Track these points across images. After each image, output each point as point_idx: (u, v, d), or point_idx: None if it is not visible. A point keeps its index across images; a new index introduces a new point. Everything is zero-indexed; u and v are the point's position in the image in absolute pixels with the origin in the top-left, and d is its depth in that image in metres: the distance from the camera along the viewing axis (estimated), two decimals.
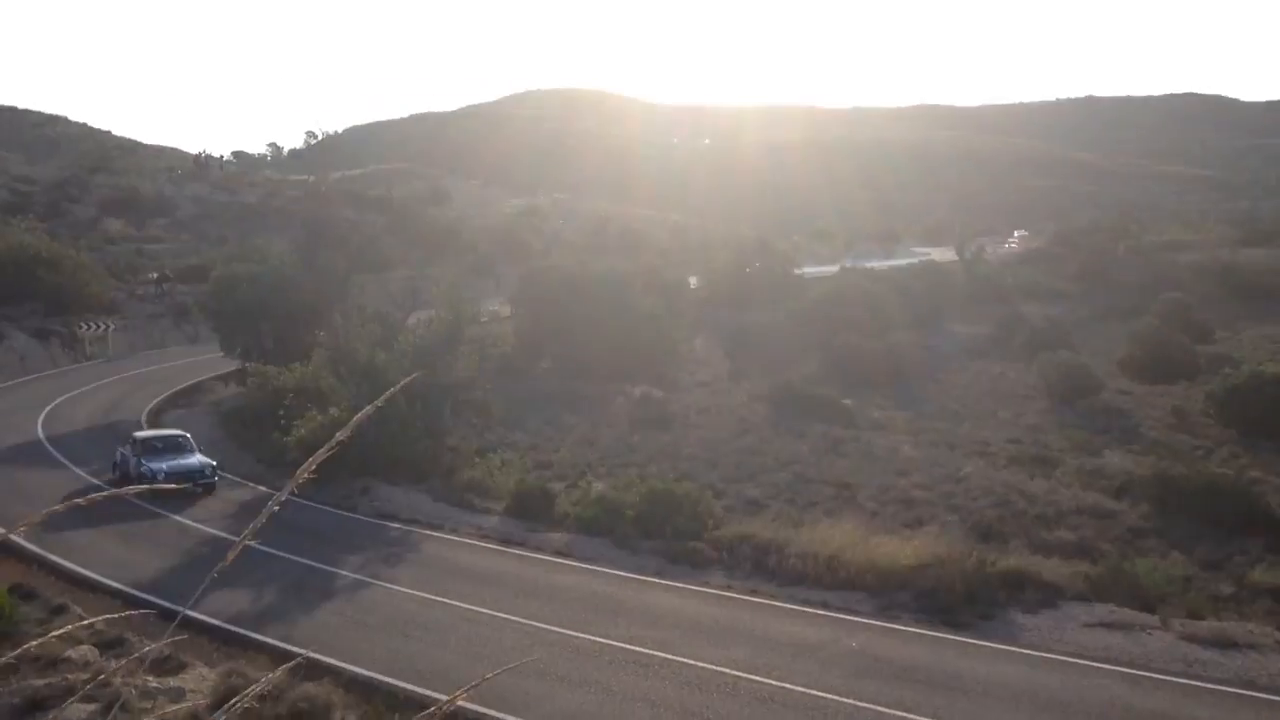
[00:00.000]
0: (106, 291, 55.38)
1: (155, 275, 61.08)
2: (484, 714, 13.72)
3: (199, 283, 53.30)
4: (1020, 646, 15.87)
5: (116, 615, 16.78)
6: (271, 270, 43.11)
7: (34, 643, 3.17)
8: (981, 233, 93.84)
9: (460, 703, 10.42)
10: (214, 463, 26.51)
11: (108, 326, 51.85)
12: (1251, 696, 13.78)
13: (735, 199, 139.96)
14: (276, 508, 3.07)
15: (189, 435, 28.25)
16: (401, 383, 3.40)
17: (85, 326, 50.75)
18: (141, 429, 30.70)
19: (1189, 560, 19.35)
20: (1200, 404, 32.50)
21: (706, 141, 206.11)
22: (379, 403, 3.18)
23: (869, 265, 66.55)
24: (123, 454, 26.78)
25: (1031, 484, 25.19)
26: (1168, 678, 14.50)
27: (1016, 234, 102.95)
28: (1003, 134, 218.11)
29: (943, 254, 77.30)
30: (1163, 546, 20.34)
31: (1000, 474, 26.32)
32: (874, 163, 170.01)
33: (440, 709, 3.29)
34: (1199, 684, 14.25)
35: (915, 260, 72.82)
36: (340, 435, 3.06)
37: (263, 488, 26.28)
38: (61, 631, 3.35)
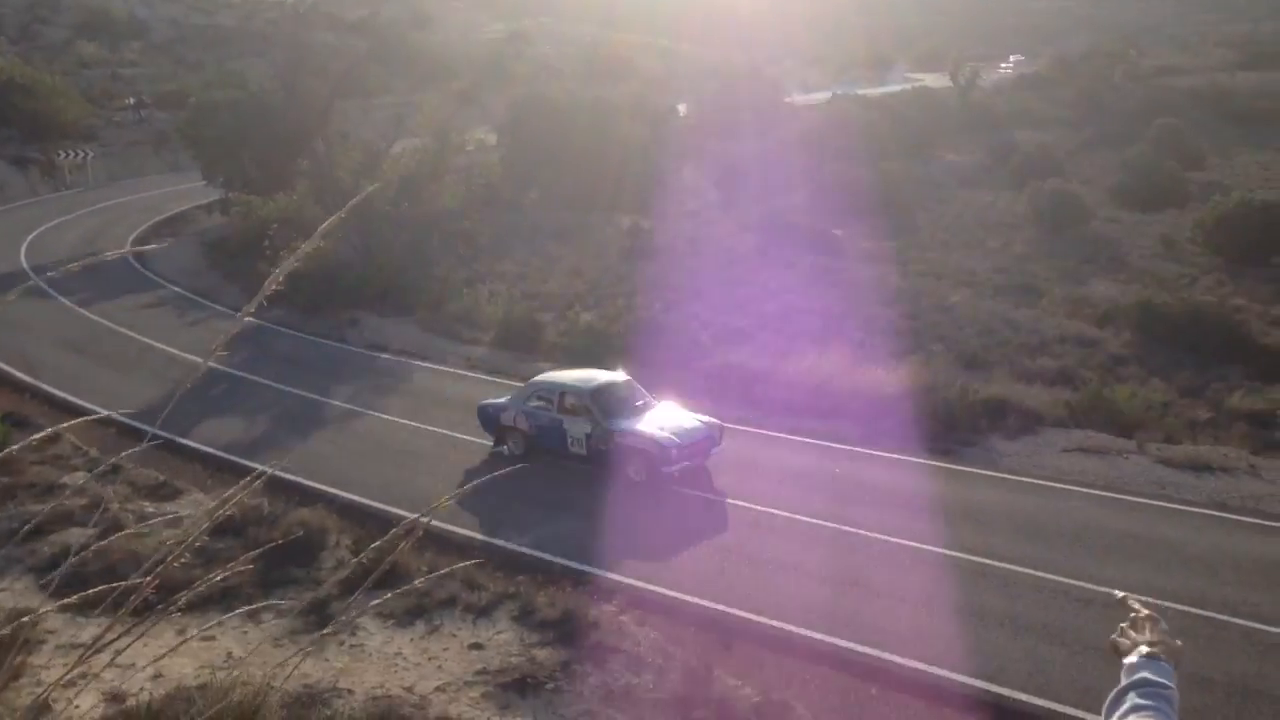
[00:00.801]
0: (83, 118, 54.15)
1: (132, 101, 59.64)
2: (477, 539, 14.11)
3: (177, 109, 52.08)
4: (1000, 471, 16.24)
5: (77, 421, 16.98)
6: (251, 97, 42.09)
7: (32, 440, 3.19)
8: (977, 58, 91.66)
9: (453, 529, 10.56)
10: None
11: (86, 154, 50.90)
12: (1221, 517, 14.19)
13: (725, 24, 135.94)
14: (255, 319, 3.06)
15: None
16: (351, 202, 3.30)
17: (63, 154, 49.82)
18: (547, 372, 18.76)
19: (1169, 387, 19.66)
20: (1188, 232, 32.43)
21: None
22: (340, 214, 3.09)
23: (861, 92, 65.19)
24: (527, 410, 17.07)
25: (1017, 313, 25.36)
26: (1141, 499, 14.90)
27: (1012, 59, 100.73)
28: None
29: (937, 80, 75.72)
30: (1143, 374, 20.63)
31: (986, 303, 26.46)
32: None
33: (417, 521, 3.36)
34: (1171, 505, 14.65)
35: (908, 87, 71.30)
36: (306, 247, 2.99)
37: (250, 319, 26.25)
38: (41, 436, 3.36)
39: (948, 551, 13.47)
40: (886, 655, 11.22)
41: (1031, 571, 12.87)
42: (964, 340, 23.26)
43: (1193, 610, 11.77)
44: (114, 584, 3.64)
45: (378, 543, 3.73)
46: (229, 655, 10.58)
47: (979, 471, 16.30)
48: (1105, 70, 72.92)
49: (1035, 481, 15.76)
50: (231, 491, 3.74)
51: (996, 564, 13.11)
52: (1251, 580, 12.42)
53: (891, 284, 28.41)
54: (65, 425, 4.04)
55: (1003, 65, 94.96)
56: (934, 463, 16.70)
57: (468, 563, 6.49)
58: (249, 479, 3.61)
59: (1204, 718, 9.96)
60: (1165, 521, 14.18)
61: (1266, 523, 13.98)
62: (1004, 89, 75.41)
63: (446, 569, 5.52)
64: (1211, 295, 25.58)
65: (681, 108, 62.43)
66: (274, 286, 2.96)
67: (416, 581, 4.20)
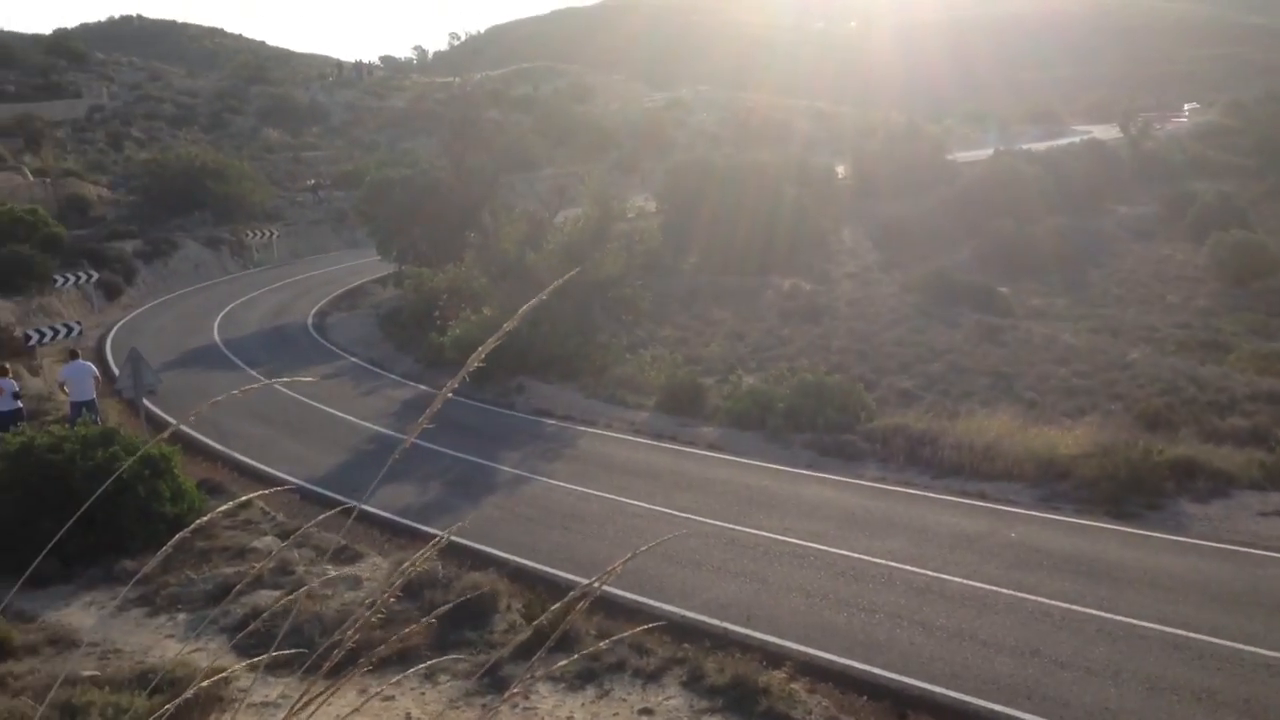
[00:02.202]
0: (269, 199, 57.46)
1: (311, 182, 63.02)
2: (642, 603, 14.15)
3: (353, 188, 54.78)
4: (1190, 536, 15.43)
5: (263, 491, 17.76)
6: (422, 174, 43.99)
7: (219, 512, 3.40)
8: (1148, 108, 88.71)
9: (622, 593, 10.72)
10: None
11: (272, 233, 53.90)
12: None
13: (883, 85, 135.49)
14: (450, 394, 3.19)
15: None
16: (554, 284, 3.44)
17: (251, 234, 52.87)
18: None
19: None
20: None
21: (852, 24, 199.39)
22: (543, 295, 3.25)
23: (1026, 147, 63.75)
24: None
25: (1202, 370, 24.23)
26: None
27: (1187, 107, 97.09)
28: None
29: (1106, 131, 73.53)
30: None
31: (1168, 360, 25.38)
32: (1015, 40, 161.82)
33: (595, 583, 3.44)
34: None
35: (1076, 140, 69.42)
36: (507, 326, 3.14)
37: (423, 386, 27.25)
38: (225, 508, 3.58)
39: (1136, 621, 12.83)
40: None
41: (1229, 644, 12.14)
42: (1145, 398, 22.31)
43: None
44: (304, 646, 3.83)
45: (554, 606, 3.81)
46: (407, 716, 10.86)
47: (1166, 537, 15.51)
48: None
49: (1230, 548, 14.89)
50: (417, 555, 3.90)
51: (1190, 635, 12.42)
52: None
53: (1063, 341, 27.52)
54: (256, 494, 4.28)
55: (1175, 116, 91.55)
56: (1116, 527, 15.98)
57: (641, 628, 6.54)
58: (432, 543, 3.75)
59: None
60: None
61: None
62: (1178, 138, 72.63)
63: (620, 635, 5.56)
64: None
65: (840, 169, 62.25)
66: (476, 364, 3.13)
67: (600, 644, 4.25)
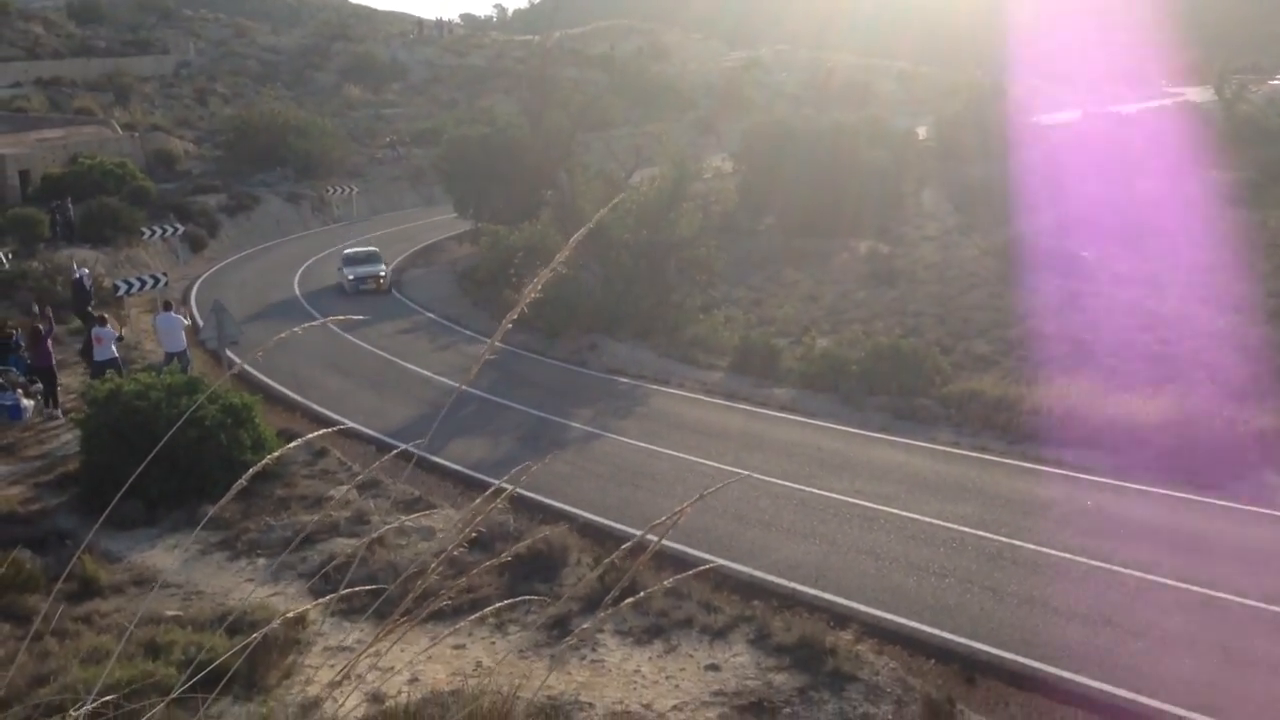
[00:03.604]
0: (349, 156, 58.13)
1: (390, 139, 63.60)
2: (715, 562, 14.21)
3: (432, 145, 55.19)
4: (1272, 509, 15.05)
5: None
6: (500, 132, 44.17)
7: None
8: (1245, 69, 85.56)
9: (692, 551, 10.77)
10: None
11: (352, 190, 54.59)
12: None
13: (968, 44, 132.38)
14: (490, 356, 3.26)
15: None
16: (576, 238, 3.47)
17: (332, 190, 53.60)
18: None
19: None
20: None
21: None
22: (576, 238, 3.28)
23: (1114, 109, 62.03)
24: None
25: None
26: None
27: None
28: None
29: (1199, 94, 71.18)
30: None
31: (1258, 329, 24.62)
32: None
33: (645, 536, 3.49)
34: None
35: (1167, 102, 67.33)
36: (545, 274, 3.20)
37: (498, 343, 27.46)
38: (294, 444, 3.68)
39: (1213, 592, 12.60)
40: (1143, 699, 10.59)
41: None
42: (1232, 368, 21.69)
43: None
44: (377, 593, 3.94)
45: (611, 556, 3.86)
46: (478, 664, 11.07)
47: (1248, 508, 15.15)
48: None
49: None
50: (478, 503, 4.01)
51: (1270, 608, 12.16)
52: None
53: (1148, 308, 26.85)
54: (318, 434, 4.38)
55: (1272, 78, 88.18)
56: (1196, 497, 15.66)
57: (692, 571, 6.63)
58: (492, 492, 3.87)
59: None
60: None
61: None
62: (1276, 102, 70.03)
63: (671, 580, 5.60)
64: None
65: (921, 130, 61.14)
66: (516, 315, 3.20)
67: (662, 583, 4.30)
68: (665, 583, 4.46)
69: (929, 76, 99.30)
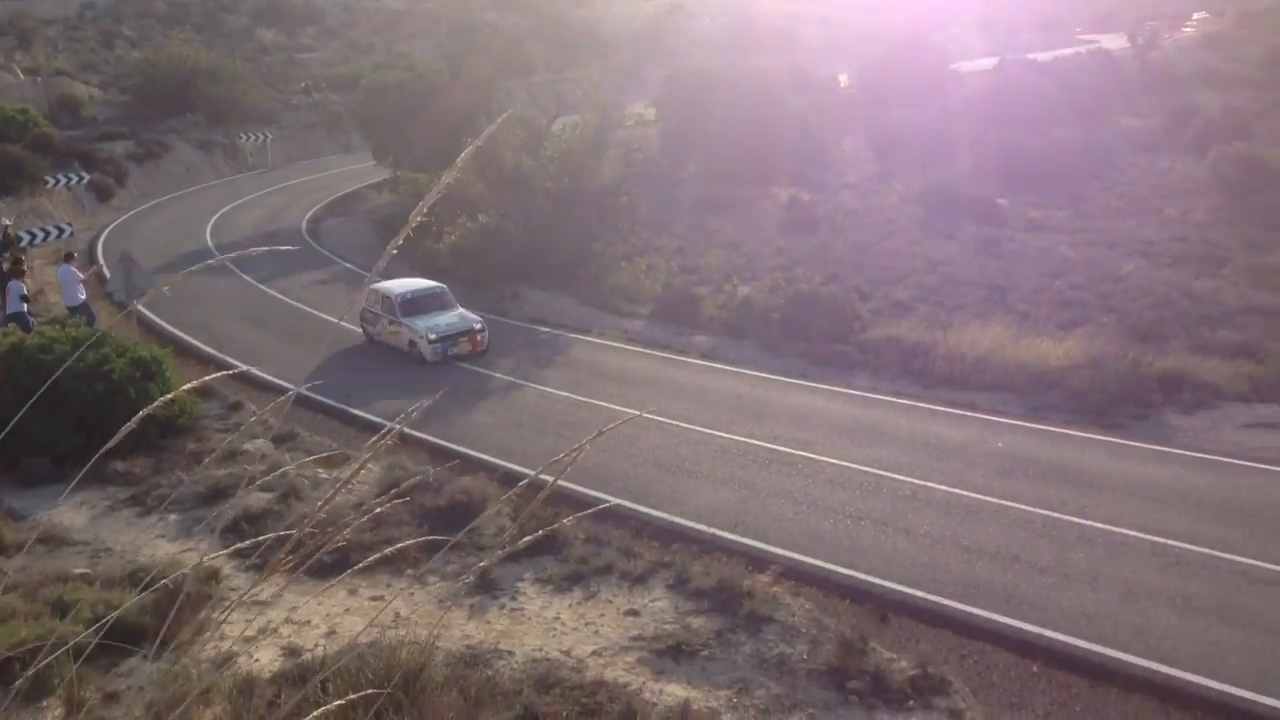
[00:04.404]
0: (263, 102, 56.65)
1: (305, 85, 62.12)
2: (632, 509, 14.33)
3: (349, 91, 54.02)
4: (1173, 447, 15.56)
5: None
6: (419, 78, 43.36)
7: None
8: (1156, 17, 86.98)
9: (612, 499, 10.79)
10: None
11: (266, 137, 53.30)
12: None
13: None
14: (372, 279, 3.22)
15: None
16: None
17: (245, 137, 52.29)
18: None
19: None
20: None
21: None
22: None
23: (1031, 56, 62.68)
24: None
25: (1196, 283, 24.16)
26: None
27: (1195, 17, 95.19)
28: None
29: (1113, 42, 72.27)
30: None
31: (1163, 273, 25.28)
32: None
33: (538, 475, 3.51)
34: None
35: (1082, 49, 68.22)
36: (422, 204, 3.15)
37: None
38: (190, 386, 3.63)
39: (1115, 528, 13.02)
40: (1049, 633, 10.96)
41: (1206, 550, 12.35)
42: (1138, 311, 22.28)
43: None
44: (285, 540, 3.91)
45: (508, 493, 3.87)
46: (397, 616, 11.05)
47: (1150, 447, 15.65)
48: None
49: (1212, 458, 15.04)
50: (370, 443, 3.98)
51: (1169, 542, 12.61)
52: None
53: (1060, 254, 27.41)
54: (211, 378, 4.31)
55: (1183, 25, 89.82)
56: (1102, 437, 16.12)
57: (589, 510, 6.71)
58: (385, 433, 3.84)
59: None
60: None
61: None
62: (1186, 49, 71.42)
63: (571, 518, 5.65)
64: None
65: (843, 77, 61.34)
66: (400, 240, 3.16)
67: (561, 521, 4.34)
68: (564, 520, 4.52)
69: (852, 24, 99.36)
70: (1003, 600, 11.60)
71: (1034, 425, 16.78)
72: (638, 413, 14.69)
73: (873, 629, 11.36)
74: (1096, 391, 17.47)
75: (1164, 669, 10.23)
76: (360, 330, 22.96)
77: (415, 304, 22.04)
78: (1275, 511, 13.23)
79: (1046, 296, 23.88)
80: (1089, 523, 13.25)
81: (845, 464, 15.50)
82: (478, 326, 21.59)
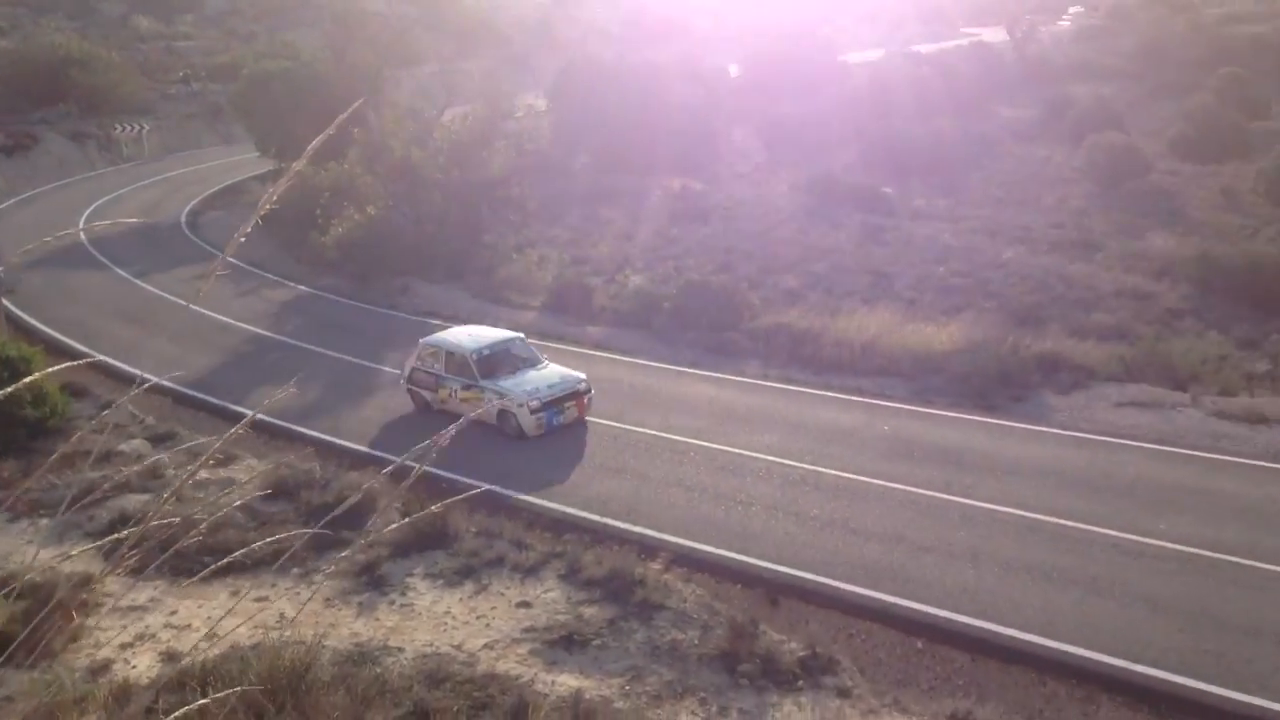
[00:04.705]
0: (139, 92, 54.85)
1: (184, 74, 60.34)
2: (525, 501, 14.27)
3: (230, 81, 52.61)
4: (1050, 426, 16.06)
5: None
6: (303, 66, 42.43)
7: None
8: (1034, 11, 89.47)
9: (504, 491, 10.65)
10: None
11: (142, 128, 51.64)
12: (1276, 469, 13.94)
13: None
14: (222, 272, 3.13)
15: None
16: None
17: (120, 128, 50.57)
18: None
19: (1226, 339, 19.28)
20: (1251, 183, 31.61)
21: None
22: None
23: (915, 49, 64.01)
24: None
25: (1071, 268, 24.95)
26: (1195, 452, 14.68)
27: (1071, 10, 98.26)
28: None
29: (994, 35, 74.21)
30: (1200, 327, 20.26)
31: (1041, 259, 26.05)
32: None
33: (399, 464, 3.44)
34: (1225, 458, 14.43)
35: (964, 42, 69.91)
36: (270, 195, 3.06)
37: (302, 287, 26.65)
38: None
39: (996, 507, 13.38)
40: (932, 610, 11.22)
41: (1081, 526, 12.76)
42: (1017, 297, 22.94)
43: (1244, 562, 11.61)
44: (169, 547, 3.78)
45: (371, 480, 3.81)
46: (281, 616, 10.83)
47: (1029, 427, 16.13)
48: (1166, 20, 70.77)
49: (1086, 436, 15.56)
50: (229, 434, 3.87)
51: (1046, 519, 13.01)
52: None
53: (943, 241, 28.06)
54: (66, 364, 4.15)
55: (1062, 18, 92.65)
56: (983, 419, 16.55)
57: (461, 495, 6.65)
58: (245, 423, 3.75)
59: (1258, 668, 9.84)
60: (1219, 474, 13.96)
61: None
62: (1062, 42, 73.69)
63: (440, 505, 5.59)
64: (1273, 246, 24.95)
65: (733, 68, 61.84)
66: (241, 238, 3.06)
67: (430, 508, 4.28)
68: (434, 508, 4.49)
69: (742, 15, 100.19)
70: (889, 580, 11.84)
71: (919, 408, 17.15)
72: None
73: (764, 612, 11.50)
74: (978, 375, 17.93)
75: (1040, 640, 10.56)
76: (409, 396, 18.13)
77: (494, 361, 17.35)
78: (1145, 486, 13.74)
79: (931, 283, 24.42)
80: (971, 502, 13.60)
81: (737, 450, 15.64)
82: (583, 386, 16.96)
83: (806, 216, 31.86)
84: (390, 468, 3.85)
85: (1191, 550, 11.96)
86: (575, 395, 16.74)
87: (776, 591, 11.97)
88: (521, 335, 18.47)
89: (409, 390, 18.03)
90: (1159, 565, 11.79)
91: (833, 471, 14.75)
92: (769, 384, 18.77)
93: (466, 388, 17.04)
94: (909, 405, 17.36)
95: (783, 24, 68.60)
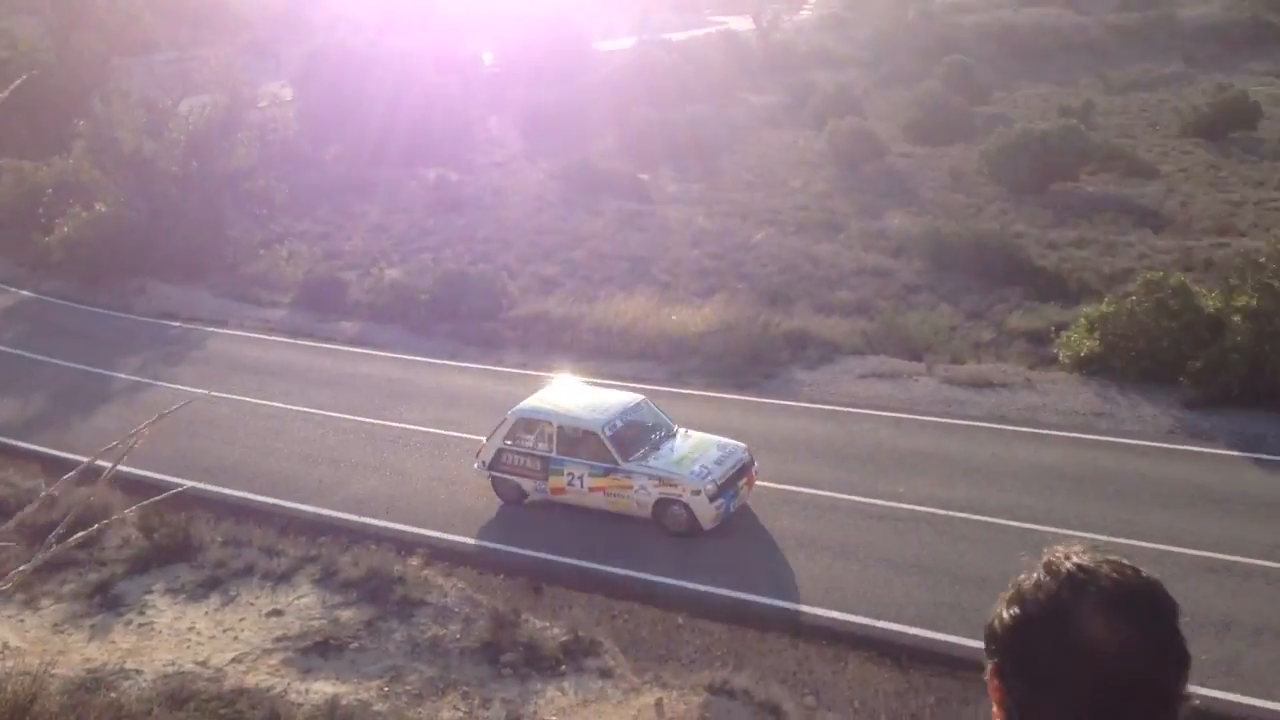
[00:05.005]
0: None
1: None
2: (279, 506, 13.73)
3: None
4: (799, 401, 16.70)
5: None
6: (22, 55, 39.30)
7: None
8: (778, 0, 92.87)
9: (255, 496, 10.17)
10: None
11: None
12: (1000, 429, 14.97)
13: None
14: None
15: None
16: None
17: None
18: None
19: (956, 311, 20.53)
20: (975, 163, 33.84)
21: None
22: None
23: (666, 36, 65.31)
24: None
25: (817, 248, 26.03)
26: (929, 418, 15.57)
27: (811, 0, 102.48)
28: None
29: (740, 23, 76.58)
30: (933, 300, 21.48)
31: (789, 240, 27.05)
32: None
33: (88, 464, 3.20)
34: (956, 421, 15.37)
35: (712, 30, 71.89)
36: None
37: (25, 291, 24.73)
38: None
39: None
40: (689, 584, 11.48)
41: (828, 494, 13.33)
42: (767, 277, 23.75)
43: (972, 517, 12.40)
44: None
45: (55, 486, 3.53)
46: (4, 646, 10.01)
47: (780, 402, 16.72)
48: (898, 10, 74.91)
49: (832, 408, 16.26)
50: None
51: (798, 489, 13.51)
52: (1027, 485, 13.17)
53: (697, 225, 28.74)
54: None
55: (803, 7, 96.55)
56: (737, 396, 17.05)
57: (153, 499, 6.40)
58: None
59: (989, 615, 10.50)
60: (951, 437, 14.88)
61: (1040, 431, 14.82)
62: (804, 30, 76.84)
63: (134, 509, 5.29)
64: (995, 222, 26.78)
65: (488, 56, 61.42)
66: None
67: (123, 513, 3.99)
68: (126, 512, 4.16)
69: (496, 2, 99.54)
70: (647, 560, 12.03)
71: (677, 390, 17.48)
72: (205, 392, 14.10)
73: (527, 601, 11.48)
74: (732, 354, 18.45)
75: (792, 605, 10.97)
76: (493, 485, 13.85)
77: (629, 435, 13.31)
78: (886, 453, 14.48)
79: (686, 266, 24.96)
80: None
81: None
82: (748, 456, 13.38)
83: (564, 204, 31.96)
84: (81, 468, 3.54)
85: (927, 510, 12.69)
86: (744, 469, 13.16)
87: (540, 579, 11.97)
88: (643, 398, 14.40)
89: (493, 478, 13.78)
90: (899, 526, 12.45)
91: None
92: (529, 373, 18.67)
93: (604, 473, 12.91)
94: (667, 387, 17.65)
95: (536, 12, 68.66)
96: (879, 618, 10.67)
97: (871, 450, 14.57)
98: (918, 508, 12.77)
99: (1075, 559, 1.88)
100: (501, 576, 12.06)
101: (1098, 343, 16.56)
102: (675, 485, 12.48)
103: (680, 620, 11.07)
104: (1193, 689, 1.78)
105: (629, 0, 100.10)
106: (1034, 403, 15.73)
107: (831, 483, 13.59)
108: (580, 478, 13.03)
